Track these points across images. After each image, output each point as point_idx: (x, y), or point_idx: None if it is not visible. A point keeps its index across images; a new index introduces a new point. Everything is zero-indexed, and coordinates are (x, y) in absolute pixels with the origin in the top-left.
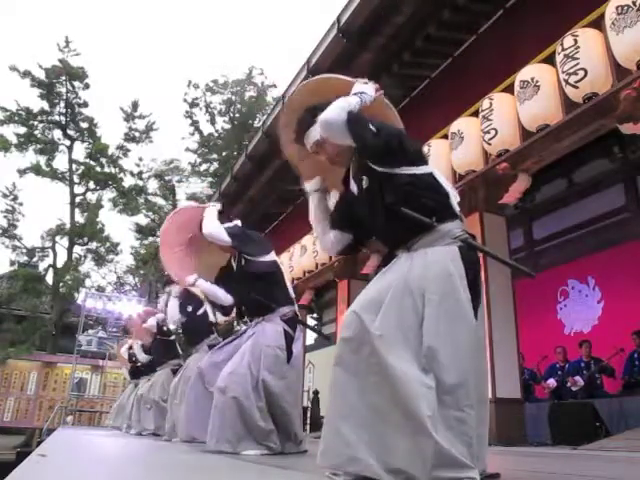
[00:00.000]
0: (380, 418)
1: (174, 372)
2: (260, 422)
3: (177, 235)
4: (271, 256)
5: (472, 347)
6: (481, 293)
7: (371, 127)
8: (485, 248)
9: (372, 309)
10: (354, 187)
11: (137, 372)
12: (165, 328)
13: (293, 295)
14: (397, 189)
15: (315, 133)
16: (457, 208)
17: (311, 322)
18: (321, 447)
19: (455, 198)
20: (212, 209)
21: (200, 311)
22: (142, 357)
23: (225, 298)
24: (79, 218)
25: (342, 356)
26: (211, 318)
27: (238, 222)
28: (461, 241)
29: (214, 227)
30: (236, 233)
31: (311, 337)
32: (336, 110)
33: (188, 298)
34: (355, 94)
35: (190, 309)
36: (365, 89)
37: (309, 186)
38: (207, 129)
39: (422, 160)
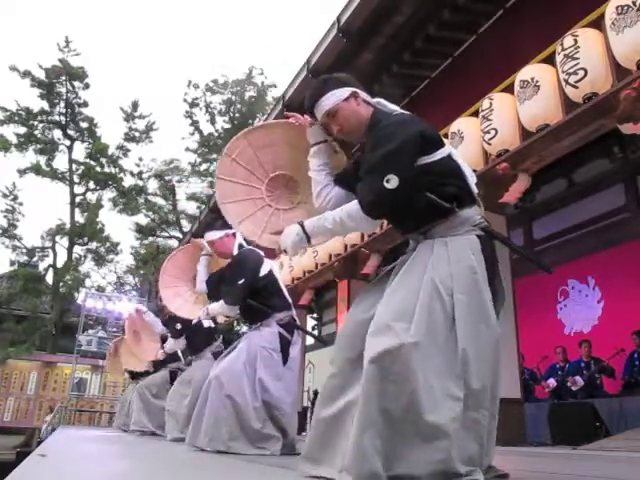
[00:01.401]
0: (392, 426)
1: (172, 374)
2: (255, 423)
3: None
4: (263, 269)
5: (493, 349)
6: (502, 289)
7: (395, 179)
8: (504, 237)
9: (405, 318)
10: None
11: (137, 373)
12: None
13: (290, 300)
14: (415, 179)
15: (326, 103)
16: (475, 190)
17: (311, 322)
18: (346, 461)
19: (472, 179)
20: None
21: (195, 320)
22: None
23: (198, 282)
24: (79, 218)
25: (368, 368)
26: (206, 324)
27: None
28: (481, 229)
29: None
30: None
31: (310, 339)
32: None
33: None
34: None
35: (179, 326)
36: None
37: (313, 138)
38: (207, 129)
39: (438, 144)
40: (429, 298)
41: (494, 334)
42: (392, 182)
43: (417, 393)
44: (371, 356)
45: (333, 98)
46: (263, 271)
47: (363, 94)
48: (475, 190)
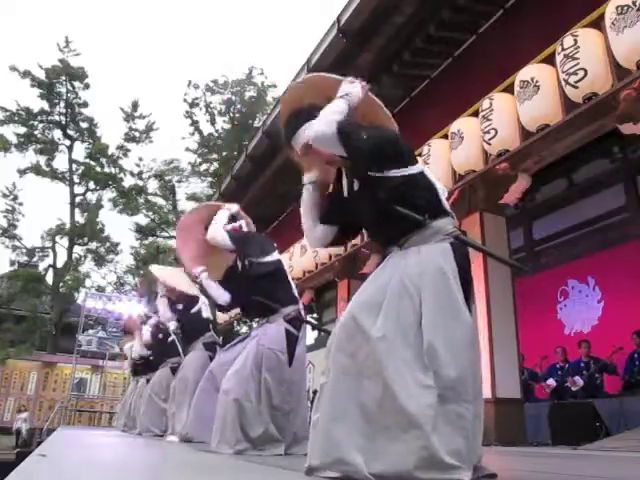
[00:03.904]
0: (371, 421)
1: (173, 370)
2: (258, 427)
3: (194, 230)
4: (274, 256)
5: (469, 344)
6: (472, 291)
7: (363, 135)
8: (476, 243)
9: (371, 311)
10: (345, 186)
11: (138, 370)
12: (161, 332)
13: (297, 294)
14: (390, 191)
15: (304, 136)
16: (447, 205)
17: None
18: (310, 448)
19: (444, 194)
20: (223, 213)
21: (194, 309)
22: (139, 350)
23: (218, 297)
24: (79, 218)
25: (336, 359)
26: (205, 315)
27: (243, 222)
28: (453, 237)
29: (217, 231)
30: (238, 237)
31: (311, 337)
32: (326, 122)
33: (178, 297)
34: (341, 97)
35: (181, 307)
36: (350, 89)
37: (306, 178)
38: (207, 129)
39: (413, 160)
40: (397, 296)
41: (468, 330)
42: (365, 136)
43: (390, 384)
44: (342, 348)
45: (307, 133)
46: (275, 256)
47: None
48: (447, 205)
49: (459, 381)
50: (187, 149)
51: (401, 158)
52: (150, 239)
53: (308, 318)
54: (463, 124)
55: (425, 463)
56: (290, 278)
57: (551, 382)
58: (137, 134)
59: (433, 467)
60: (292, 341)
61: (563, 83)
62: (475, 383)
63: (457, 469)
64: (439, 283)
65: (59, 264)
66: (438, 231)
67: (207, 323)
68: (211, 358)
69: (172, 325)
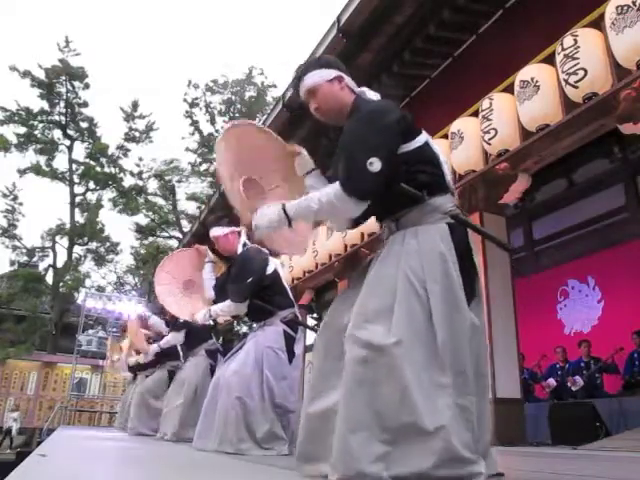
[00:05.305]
0: (388, 428)
1: (170, 373)
2: (263, 425)
3: (174, 279)
4: (269, 268)
5: (466, 332)
6: (476, 278)
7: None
8: (474, 224)
9: (384, 318)
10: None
11: (137, 370)
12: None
13: (292, 298)
14: (396, 166)
15: (310, 80)
16: (449, 178)
17: (311, 322)
18: (331, 459)
19: (447, 166)
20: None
21: (189, 319)
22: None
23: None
24: (79, 218)
25: (349, 368)
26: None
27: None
28: (451, 217)
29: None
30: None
31: (311, 337)
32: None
33: (171, 317)
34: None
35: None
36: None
37: (302, 169)
38: (207, 129)
39: (414, 132)
40: (406, 295)
41: (466, 319)
42: (375, 165)
43: (409, 389)
44: (356, 357)
45: (317, 77)
46: (269, 270)
47: (349, 80)
48: (449, 178)
49: (461, 374)
50: (187, 149)
51: (408, 135)
52: (150, 239)
53: (308, 319)
54: (463, 124)
55: (445, 461)
56: (285, 283)
57: (551, 382)
58: (137, 134)
59: (453, 463)
60: (290, 342)
61: (563, 83)
62: (479, 365)
63: (474, 463)
64: (441, 272)
65: (59, 264)
66: (436, 209)
67: (208, 330)
68: (212, 366)
69: (173, 338)
